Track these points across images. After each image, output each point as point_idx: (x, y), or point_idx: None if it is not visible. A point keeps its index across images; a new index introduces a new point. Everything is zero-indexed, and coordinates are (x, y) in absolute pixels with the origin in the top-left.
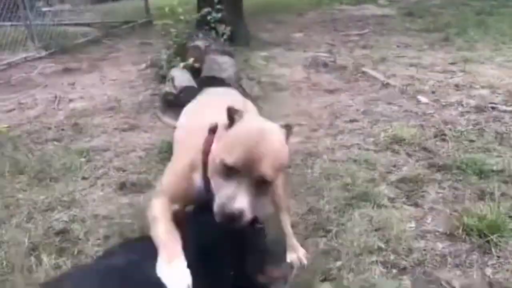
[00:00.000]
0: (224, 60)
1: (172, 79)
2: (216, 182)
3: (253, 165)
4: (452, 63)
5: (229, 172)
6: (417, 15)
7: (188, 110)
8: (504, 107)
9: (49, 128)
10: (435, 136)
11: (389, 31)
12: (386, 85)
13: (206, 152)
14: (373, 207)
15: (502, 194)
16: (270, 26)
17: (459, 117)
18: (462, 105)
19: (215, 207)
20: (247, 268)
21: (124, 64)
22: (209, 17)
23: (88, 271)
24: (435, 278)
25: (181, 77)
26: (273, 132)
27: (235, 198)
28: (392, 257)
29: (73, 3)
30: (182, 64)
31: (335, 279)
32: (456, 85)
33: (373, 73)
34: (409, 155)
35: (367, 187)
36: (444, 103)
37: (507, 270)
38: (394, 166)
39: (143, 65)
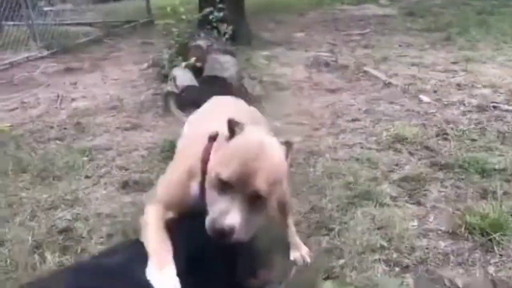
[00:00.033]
0: (226, 59)
1: (174, 79)
2: (210, 196)
3: (248, 181)
4: (453, 63)
5: (224, 186)
6: (418, 14)
7: (192, 119)
8: (506, 106)
9: (52, 127)
10: (437, 135)
11: (390, 30)
12: (388, 85)
13: (204, 161)
14: (375, 206)
15: (505, 193)
16: (271, 26)
17: (461, 116)
18: (464, 104)
19: (207, 221)
20: (238, 274)
21: (126, 64)
22: (211, 17)
23: (75, 271)
24: (438, 276)
25: (183, 77)
26: (272, 148)
27: (227, 214)
28: (394, 255)
29: (75, 2)
30: (184, 64)
31: (338, 277)
32: (458, 85)
33: (375, 72)
34: (411, 154)
35: (369, 186)
36: (446, 102)
37: (510, 268)
38: (396, 165)
39: (145, 65)
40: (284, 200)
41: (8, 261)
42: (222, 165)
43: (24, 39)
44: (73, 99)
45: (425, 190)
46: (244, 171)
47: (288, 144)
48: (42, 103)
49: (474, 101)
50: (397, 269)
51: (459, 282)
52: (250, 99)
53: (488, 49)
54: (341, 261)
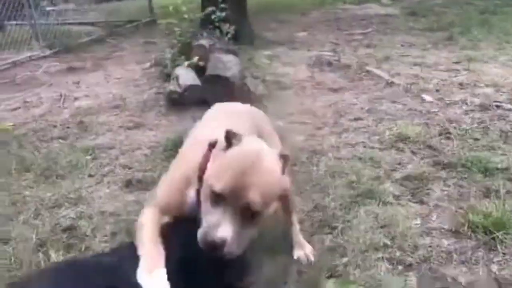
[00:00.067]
0: (229, 58)
1: (177, 78)
2: (204, 206)
3: (241, 193)
4: (456, 62)
5: (217, 198)
6: (421, 14)
7: (197, 124)
8: (508, 106)
9: (55, 126)
10: (440, 134)
11: (392, 30)
12: (390, 84)
13: (202, 168)
14: (378, 205)
15: (507, 192)
16: (273, 25)
17: (464, 115)
18: (466, 103)
19: (199, 233)
20: (228, 279)
21: (128, 63)
22: (213, 16)
23: (59, 269)
24: (441, 274)
25: (185, 76)
26: (268, 161)
27: (218, 227)
28: (398, 253)
29: (77, 2)
30: (186, 63)
31: (341, 276)
32: (460, 84)
33: (377, 72)
34: (414, 153)
35: (372, 184)
36: (448, 102)
37: None
38: (399, 164)
39: (148, 64)
40: (287, 200)
41: (13, 259)
42: (216, 176)
43: (26, 38)
44: (75, 98)
45: (428, 189)
46: (237, 184)
47: (284, 157)
48: (45, 102)
49: (477, 101)
50: (400, 267)
51: (462, 280)
52: (252, 99)
53: (491, 49)
54: (345, 260)
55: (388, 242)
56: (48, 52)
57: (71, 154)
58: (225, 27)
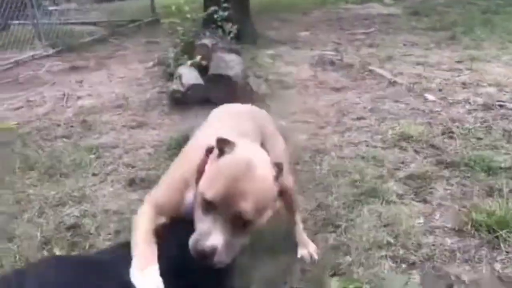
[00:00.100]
0: (231, 58)
1: (180, 77)
2: (196, 214)
3: (232, 202)
4: (459, 62)
5: (208, 206)
6: (423, 14)
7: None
8: (511, 105)
9: (58, 125)
10: (443, 134)
11: (395, 29)
12: (393, 83)
13: (200, 172)
14: (381, 203)
15: (511, 191)
16: (276, 25)
17: (467, 115)
18: (469, 103)
19: (190, 241)
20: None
21: (131, 63)
22: (215, 16)
23: (53, 264)
24: (444, 273)
25: (188, 75)
26: (261, 169)
27: (209, 235)
28: (401, 252)
29: (79, 2)
30: (189, 62)
31: (345, 274)
32: (463, 83)
33: (380, 71)
34: (417, 152)
35: (375, 183)
36: (451, 101)
37: None
38: (402, 163)
39: (150, 63)
40: (290, 199)
41: (17, 257)
42: (207, 184)
43: (29, 38)
44: (79, 97)
45: (431, 188)
46: (229, 192)
47: (278, 165)
48: (48, 102)
49: (480, 100)
50: (403, 265)
51: (466, 279)
52: (255, 98)
53: (493, 48)
54: (348, 258)
55: (392, 241)
56: (50, 51)
57: (74, 153)
58: (228, 26)
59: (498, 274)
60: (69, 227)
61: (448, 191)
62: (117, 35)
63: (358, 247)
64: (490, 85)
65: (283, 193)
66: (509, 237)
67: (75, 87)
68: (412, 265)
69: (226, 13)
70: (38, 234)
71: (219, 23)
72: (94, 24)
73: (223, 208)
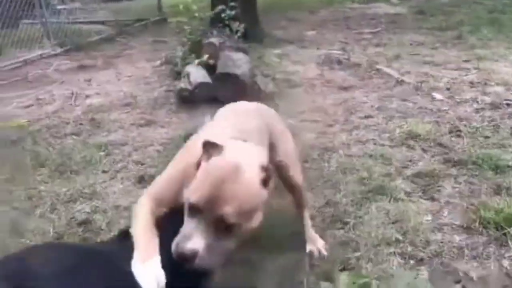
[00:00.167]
0: (239, 56)
1: (188, 75)
2: (184, 217)
3: (215, 206)
4: (466, 61)
5: (192, 210)
6: (429, 13)
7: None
8: None
9: (68, 123)
10: (450, 132)
11: (401, 29)
12: (400, 82)
13: (198, 166)
14: (389, 201)
15: None
16: (283, 24)
17: (474, 113)
18: (477, 102)
19: (173, 244)
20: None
21: (138, 61)
22: (223, 15)
23: (58, 248)
24: (453, 269)
25: (196, 73)
26: (247, 173)
27: (190, 239)
28: (409, 248)
29: (84, 1)
30: (197, 61)
31: (354, 269)
32: (471, 82)
33: (387, 70)
34: (424, 150)
35: (383, 181)
36: (458, 100)
37: None
38: (410, 161)
39: (158, 62)
40: (299, 196)
41: None
42: (192, 188)
43: (38, 37)
44: (87, 96)
45: (438, 186)
46: (212, 196)
47: (266, 169)
48: (57, 100)
49: (487, 99)
50: (412, 262)
51: (474, 275)
52: (262, 97)
53: (501, 48)
54: (357, 254)
55: (400, 237)
56: (59, 50)
57: (84, 150)
58: (235, 25)
59: (506, 270)
60: (80, 223)
61: (456, 189)
62: (124, 34)
63: (366, 244)
64: (497, 84)
65: (294, 190)
66: None
67: (83, 85)
68: (421, 261)
69: (233, 12)
70: (51, 229)
71: (227, 22)
72: (102, 23)
73: (207, 212)
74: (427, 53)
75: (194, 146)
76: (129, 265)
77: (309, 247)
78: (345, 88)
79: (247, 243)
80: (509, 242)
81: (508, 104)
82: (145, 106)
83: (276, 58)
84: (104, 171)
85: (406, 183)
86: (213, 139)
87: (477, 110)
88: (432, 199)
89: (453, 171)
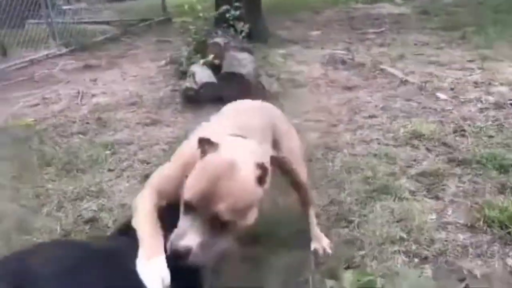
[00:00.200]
0: (244, 56)
1: (193, 75)
2: (180, 215)
3: (209, 204)
4: (470, 61)
5: (187, 207)
6: (433, 13)
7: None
8: None
9: (74, 122)
10: (455, 132)
11: (405, 29)
12: (404, 82)
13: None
14: (394, 200)
15: None
16: (287, 24)
17: (478, 113)
18: (481, 101)
19: (168, 241)
20: None
21: (143, 61)
22: (227, 15)
23: (62, 247)
24: (457, 267)
25: (201, 73)
26: (242, 171)
27: (184, 236)
28: (414, 247)
29: (89, 1)
30: (202, 61)
31: (359, 267)
32: (475, 82)
33: (391, 70)
34: (428, 150)
35: (387, 180)
36: (463, 100)
37: None
38: (414, 160)
39: (163, 62)
40: (304, 194)
41: None
42: (187, 185)
43: (44, 37)
44: (93, 95)
45: (443, 185)
46: (206, 194)
47: (262, 166)
48: (63, 99)
49: (491, 99)
50: (416, 260)
51: (478, 273)
52: (267, 96)
53: (505, 48)
54: (362, 252)
55: (404, 236)
56: (64, 50)
57: (90, 149)
58: (239, 25)
59: (510, 269)
60: (87, 221)
61: (460, 188)
62: (129, 34)
63: (371, 242)
64: (502, 84)
65: (299, 188)
66: None
67: (89, 85)
68: (425, 259)
69: (238, 12)
70: (58, 227)
71: (231, 22)
72: (107, 23)
73: (201, 209)
74: (431, 53)
75: (195, 141)
76: (133, 263)
77: (314, 245)
78: (349, 88)
79: (253, 240)
80: None
81: None
82: (150, 106)
83: (281, 58)
84: (110, 170)
85: (411, 182)
86: (210, 136)
87: (481, 110)
88: (437, 198)
89: (458, 170)
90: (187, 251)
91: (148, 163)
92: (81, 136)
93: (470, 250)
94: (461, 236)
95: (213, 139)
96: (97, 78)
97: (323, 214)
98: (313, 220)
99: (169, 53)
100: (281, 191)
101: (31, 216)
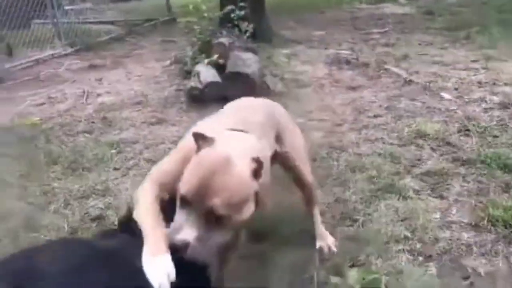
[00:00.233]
0: (248, 56)
1: (198, 74)
2: (176, 209)
3: (204, 198)
4: (474, 61)
5: (183, 201)
6: (437, 13)
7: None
8: None
9: (79, 121)
10: (459, 132)
11: (409, 29)
12: (408, 82)
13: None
14: (398, 199)
15: None
16: (291, 24)
17: (483, 113)
18: (485, 101)
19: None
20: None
21: (148, 61)
22: (232, 15)
23: (68, 247)
24: (461, 265)
25: (206, 73)
26: (236, 165)
27: (180, 230)
28: (418, 245)
29: (94, 1)
30: (206, 61)
31: (364, 265)
32: (479, 82)
33: (396, 70)
34: (433, 149)
35: (392, 179)
36: (467, 100)
37: None
38: (419, 160)
39: (168, 62)
40: (309, 192)
41: None
42: (183, 180)
43: (49, 37)
44: (98, 95)
45: (447, 184)
46: (201, 188)
47: (257, 161)
48: (69, 98)
49: (496, 99)
50: (421, 258)
51: (482, 271)
52: (272, 96)
53: (509, 48)
54: (366, 250)
55: (409, 235)
56: (69, 50)
57: (96, 148)
58: (244, 25)
59: None
60: (94, 218)
61: (465, 187)
62: (133, 34)
63: (376, 241)
64: (506, 84)
65: (303, 187)
66: None
67: (94, 84)
68: (429, 258)
69: (242, 12)
70: (65, 225)
71: (236, 22)
72: (112, 23)
73: (196, 203)
74: (435, 53)
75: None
76: (139, 260)
77: (319, 243)
78: (353, 88)
79: (259, 238)
80: None
81: None
82: (155, 105)
83: (285, 58)
84: (116, 169)
85: (415, 181)
86: (207, 130)
87: (485, 110)
88: (441, 197)
89: (462, 170)
90: (185, 245)
91: (153, 162)
92: (86, 135)
93: (474, 248)
94: (465, 235)
95: (208, 133)
96: (102, 77)
97: (328, 213)
98: (318, 218)
99: (173, 53)
100: (286, 189)
101: (38, 214)
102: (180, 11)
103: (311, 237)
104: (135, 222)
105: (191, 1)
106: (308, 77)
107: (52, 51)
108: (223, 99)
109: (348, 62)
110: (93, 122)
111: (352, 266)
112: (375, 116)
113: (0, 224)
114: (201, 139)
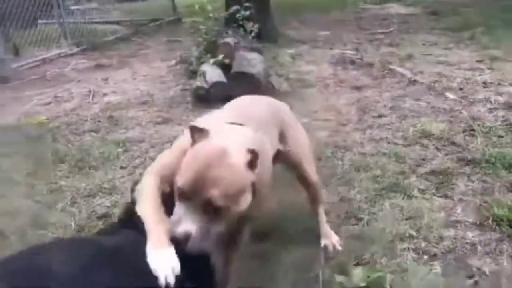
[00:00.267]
0: (253, 56)
1: (203, 74)
2: (175, 203)
3: (201, 190)
4: (479, 61)
5: (181, 194)
6: (442, 13)
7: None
8: None
9: (86, 120)
10: (464, 131)
11: (414, 29)
12: (413, 82)
13: None
14: (403, 198)
15: None
16: (296, 24)
17: (488, 113)
18: (490, 101)
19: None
20: None
21: (154, 61)
22: (237, 15)
23: (72, 246)
24: (466, 264)
25: (211, 73)
26: (232, 157)
27: (180, 222)
28: (423, 244)
29: (100, 1)
30: (212, 60)
31: (369, 263)
32: (484, 83)
33: (400, 70)
34: (438, 149)
35: (397, 179)
36: (472, 100)
37: None
38: (423, 159)
39: (173, 62)
40: (314, 191)
41: None
42: (180, 172)
43: (55, 37)
44: (104, 94)
45: (452, 184)
46: (198, 180)
47: (252, 152)
48: (75, 98)
49: (501, 99)
50: (425, 257)
51: (486, 270)
52: (277, 96)
53: None
54: (371, 249)
55: (414, 233)
56: (75, 49)
57: (103, 147)
58: (249, 25)
59: None
60: (100, 216)
61: (469, 187)
62: (139, 34)
63: (380, 239)
64: (511, 84)
65: (308, 186)
66: None
67: (100, 84)
68: (434, 256)
69: (247, 13)
70: (72, 223)
71: (241, 22)
72: (117, 23)
73: (194, 195)
74: (440, 53)
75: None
76: (143, 256)
77: (324, 242)
78: (358, 88)
79: (263, 237)
80: None
81: None
82: (161, 104)
83: (290, 58)
84: (122, 167)
85: (420, 181)
86: (205, 124)
87: (490, 110)
88: (446, 196)
89: (467, 169)
90: (186, 237)
91: None
92: (93, 134)
93: (479, 247)
94: (470, 234)
95: (205, 126)
96: (108, 77)
97: (333, 212)
98: (323, 217)
99: (179, 53)
100: (291, 188)
101: (45, 212)
102: (186, 11)
103: (316, 235)
104: (138, 217)
105: (196, 1)
106: (313, 77)
107: (58, 50)
108: (229, 99)
109: (352, 62)
110: (99, 121)
111: (357, 264)
112: (380, 116)
113: (8, 222)
114: (196, 132)
